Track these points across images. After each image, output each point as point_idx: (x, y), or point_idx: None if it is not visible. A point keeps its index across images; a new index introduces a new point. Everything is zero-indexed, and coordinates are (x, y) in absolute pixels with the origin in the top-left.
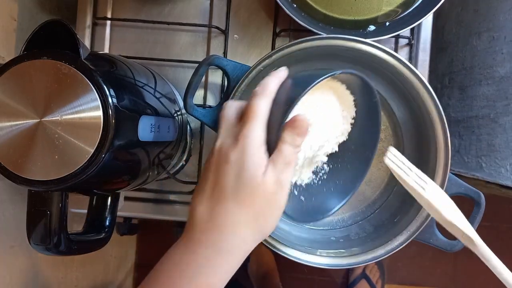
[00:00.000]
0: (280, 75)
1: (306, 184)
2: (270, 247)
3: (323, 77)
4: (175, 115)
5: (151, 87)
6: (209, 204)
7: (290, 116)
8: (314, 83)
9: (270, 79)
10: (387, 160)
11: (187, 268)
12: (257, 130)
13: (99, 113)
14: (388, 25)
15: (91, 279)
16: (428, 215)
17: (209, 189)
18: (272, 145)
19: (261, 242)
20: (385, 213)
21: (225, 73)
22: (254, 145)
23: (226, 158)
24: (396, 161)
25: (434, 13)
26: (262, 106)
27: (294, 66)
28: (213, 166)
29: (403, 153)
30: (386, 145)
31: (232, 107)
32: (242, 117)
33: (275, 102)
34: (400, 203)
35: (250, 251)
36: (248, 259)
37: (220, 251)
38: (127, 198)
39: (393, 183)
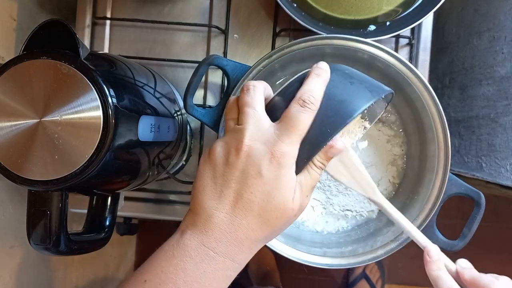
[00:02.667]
0: (325, 77)
1: None
2: (270, 247)
3: (374, 99)
4: (175, 115)
5: (151, 87)
6: (231, 213)
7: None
8: (364, 106)
9: (317, 85)
10: None
11: (202, 275)
12: (296, 149)
13: (99, 113)
14: (389, 24)
15: (91, 279)
16: (428, 215)
17: (232, 197)
18: (299, 163)
19: None
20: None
21: (225, 73)
22: (290, 165)
23: (259, 171)
24: None
25: (435, 13)
26: (307, 121)
27: (294, 66)
28: (237, 171)
29: (405, 152)
30: (395, 145)
31: (261, 96)
32: (282, 125)
33: (316, 115)
34: (400, 203)
35: None
36: None
37: (236, 262)
38: (127, 198)
39: (394, 187)
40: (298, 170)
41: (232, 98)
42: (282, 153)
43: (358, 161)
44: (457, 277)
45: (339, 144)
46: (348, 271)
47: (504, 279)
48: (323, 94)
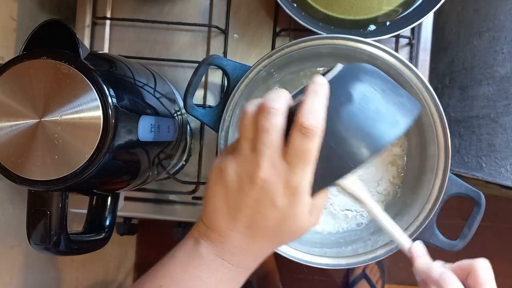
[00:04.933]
0: (324, 92)
1: None
2: None
3: (405, 126)
4: (175, 115)
5: (151, 87)
6: (245, 233)
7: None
8: (394, 138)
9: (316, 104)
10: None
11: (217, 282)
12: (310, 175)
13: (99, 113)
14: (389, 24)
15: (91, 279)
16: (428, 215)
17: (245, 221)
18: (315, 187)
19: None
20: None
21: (225, 73)
22: (305, 192)
23: (273, 202)
24: None
25: (435, 12)
26: (315, 146)
27: (294, 66)
28: (250, 199)
29: (405, 152)
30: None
31: (282, 124)
32: (291, 156)
33: (328, 135)
34: (401, 204)
35: None
36: None
37: (248, 270)
38: (127, 198)
39: (394, 187)
40: (315, 192)
41: (250, 111)
42: (296, 185)
43: None
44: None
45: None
46: (348, 271)
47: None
48: (341, 116)
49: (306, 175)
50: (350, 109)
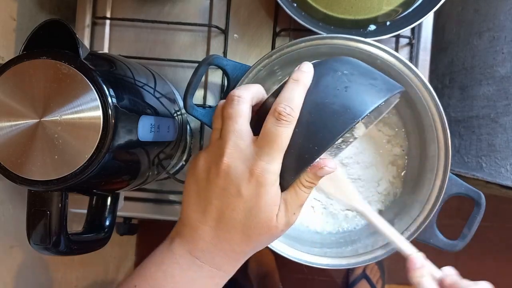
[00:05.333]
0: (305, 81)
1: None
2: (270, 247)
3: (369, 110)
4: (175, 115)
5: (151, 87)
6: (215, 227)
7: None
8: (358, 119)
9: (294, 92)
10: None
11: (189, 281)
12: (277, 165)
13: (99, 113)
14: (389, 24)
15: (91, 279)
16: (428, 215)
17: (214, 213)
18: (285, 179)
19: None
20: (385, 214)
21: (225, 72)
22: (271, 182)
23: (238, 190)
24: None
25: (435, 12)
26: (286, 135)
27: (294, 66)
28: (217, 188)
29: (405, 152)
30: (395, 145)
31: (246, 108)
32: (260, 141)
33: (298, 125)
34: (401, 204)
35: None
36: (248, 259)
37: (224, 271)
38: (127, 198)
39: (394, 187)
40: (285, 185)
41: (220, 104)
42: (261, 172)
43: (342, 171)
44: (441, 284)
45: (331, 165)
46: (348, 271)
47: (483, 283)
48: (309, 101)
49: (273, 164)
50: (313, 96)
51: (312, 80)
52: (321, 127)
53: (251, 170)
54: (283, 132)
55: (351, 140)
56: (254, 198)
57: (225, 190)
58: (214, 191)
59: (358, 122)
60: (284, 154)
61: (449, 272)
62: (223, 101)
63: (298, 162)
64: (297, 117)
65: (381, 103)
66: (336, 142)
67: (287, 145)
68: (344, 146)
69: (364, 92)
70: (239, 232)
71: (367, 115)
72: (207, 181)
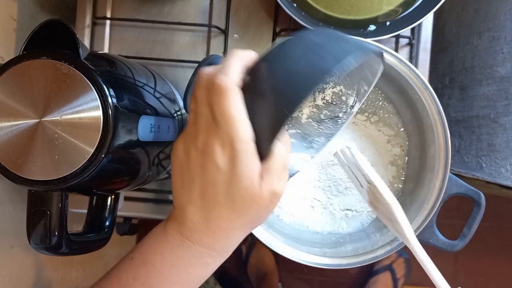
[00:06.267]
0: (247, 57)
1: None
2: (270, 247)
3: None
4: (175, 115)
5: (151, 87)
6: (200, 206)
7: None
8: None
9: (230, 60)
10: (336, 155)
11: (177, 260)
12: (246, 133)
13: (99, 113)
14: (389, 24)
15: (91, 279)
16: (428, 215)
17: (198, 192)
18: (262, 148)
19: (261, 242)
20: None
21: None
22: (245, 151)
23: (215, 164)
24: (345, 157)
25: (435, 12)
26: (232, 102)
27: None
28: (197, 167)
29: (405, 152)
30: (395, 145)
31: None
32: (217, 110)
33: (268, 93)
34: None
35: None
36: (248, 260)
37: (214, 251)
38: (127, 198)
39: (394, 187)
40: (264, 154)
41: (198, 86)
42: (231, 142)
43: (394, 200)
44: None
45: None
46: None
47: None
48: (279, 68)
49: (239, 132)
50: (282, 63)
51: (284, 48)
52: (289, 90)
53: (222, 141)
54: (225, 102)
55: (345, 110)
56: (231, 169)
57: (204, 166)
58: (196, 170)
59: (327, 78)
60: (255, 124)
61: None
62: (200, 82)
63: (271, 128)
64: (234, 83)
65: (352, 62)
66: (329, 114)
67: (244, 110)
68: (340, 116)
69: (334, 52)
70: (224, 207)
71: (336, 72)
72: (187, 162)
